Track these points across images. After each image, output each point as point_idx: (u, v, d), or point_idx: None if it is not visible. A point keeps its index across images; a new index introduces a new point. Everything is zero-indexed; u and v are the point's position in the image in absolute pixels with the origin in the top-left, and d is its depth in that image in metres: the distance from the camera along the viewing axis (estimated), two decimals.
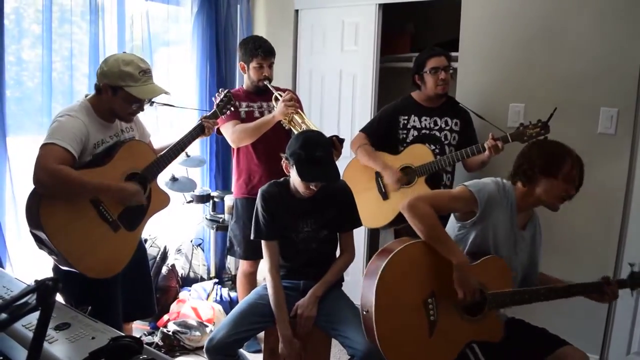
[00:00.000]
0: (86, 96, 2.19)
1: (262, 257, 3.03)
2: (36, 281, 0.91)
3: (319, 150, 2.16)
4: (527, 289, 2.03)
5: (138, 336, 2.92)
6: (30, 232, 2.03)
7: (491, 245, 2.03)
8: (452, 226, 2.12)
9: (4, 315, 0.91)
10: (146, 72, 2.13)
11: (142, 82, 2.11)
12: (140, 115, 2.38)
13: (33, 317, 1.23)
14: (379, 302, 1.81)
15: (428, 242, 1.92)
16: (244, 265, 3.16)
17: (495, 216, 2.01)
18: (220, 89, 2.85)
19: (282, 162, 2.28)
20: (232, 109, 2.79)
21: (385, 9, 3.52)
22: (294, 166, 2.17)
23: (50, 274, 2.31)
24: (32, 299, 0.93)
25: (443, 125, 2.89)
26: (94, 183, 2.04)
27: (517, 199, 2.04)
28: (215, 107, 2.70)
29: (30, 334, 1.31)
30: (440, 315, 1.89)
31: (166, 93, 2.22)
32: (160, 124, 3.51)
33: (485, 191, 2.00)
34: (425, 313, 1.87)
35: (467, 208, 2.02)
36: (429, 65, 2.82)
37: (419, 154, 2.82)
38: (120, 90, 2.10)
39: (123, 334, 1.27)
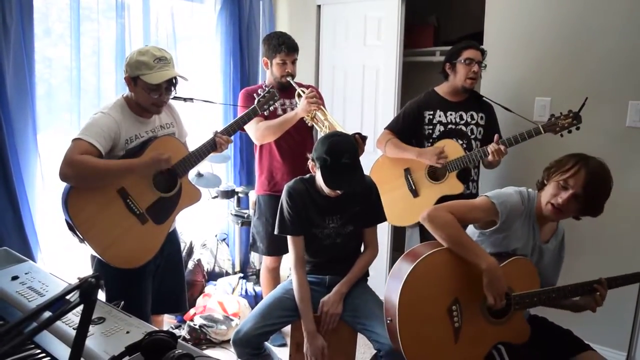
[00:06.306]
0: (123, 94, 2.23)
1: (284, 253, 3.08)
2: (79, 278, 0.94)
3: (345, 157, 2.14)
4: (546, 289, 1.98)
5: (165, 329, 2.96)
6: (65, 220, 2.10)
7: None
8: (472, 232, 2.07)
9: (48, 313, 0.93)
10: (161, 60, 2.14)
11: (156, 69, 2.12)
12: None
13: (71, 313, 1.27)
14: (402, 311, 1.79)
15: (453, 250, 1.87)
16: (267, 261, 3.19)
17: (515, 228, 1.97)
18: (264, 85, 2.80)
19: (308, 162, 2.28)
20: (273, 108, 2.75)
21: (407, 2, 3.50)
22: (320, 170, 2.18)
23: (78, 268, 2.38)
24: (74, 296, 0.95)
25: (469, 120, 2.87)
26: (117, 164, 2.09)
27: (536, 209, 1.99)
28: (255, 103, 2.63)
29: (68, 329, 1.35)
30: (465, 321, 1.87)
31: (182, 77, 2.21)
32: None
33: (508, 203, 1.94)
34: (449, 320, 1.85)
35: (487, 218, 1.98)
36: (464, 55, 2.78)
37: (449, 149, 2.78)
38: (138, 80, 2.13)
39: (158, 329, 1.29)
